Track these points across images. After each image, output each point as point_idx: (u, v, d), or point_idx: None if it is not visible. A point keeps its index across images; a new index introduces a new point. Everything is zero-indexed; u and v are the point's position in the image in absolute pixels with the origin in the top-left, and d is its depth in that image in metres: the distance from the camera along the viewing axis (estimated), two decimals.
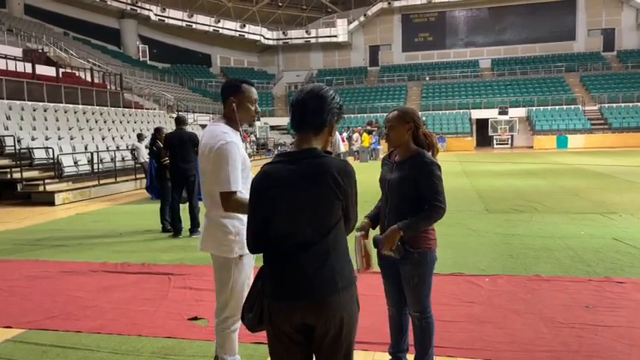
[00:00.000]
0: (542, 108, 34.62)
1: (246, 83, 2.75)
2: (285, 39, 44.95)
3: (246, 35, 43.75)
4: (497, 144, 33.94)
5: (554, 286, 4.59)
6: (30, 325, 3.95)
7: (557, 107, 34.53)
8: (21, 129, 14.24)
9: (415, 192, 2.70)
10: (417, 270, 2.76)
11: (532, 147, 31.99)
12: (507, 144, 33.92)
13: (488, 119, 34.27)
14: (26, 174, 12.36)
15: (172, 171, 7.41)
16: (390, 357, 2.99)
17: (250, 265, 2.81)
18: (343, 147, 6.41)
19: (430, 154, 2.79)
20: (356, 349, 2.10)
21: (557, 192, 10.96)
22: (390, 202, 2.83)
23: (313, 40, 44.42)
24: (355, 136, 24.85)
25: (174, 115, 10.17)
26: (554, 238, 6.49)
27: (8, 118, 14.72)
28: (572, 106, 34.53)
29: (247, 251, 2.64)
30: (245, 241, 2.83)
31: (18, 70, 19.04)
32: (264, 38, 44.49)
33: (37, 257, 6.30)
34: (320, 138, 1.91)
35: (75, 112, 18.28)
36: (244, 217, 2.61)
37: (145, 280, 5.17)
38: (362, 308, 1.97)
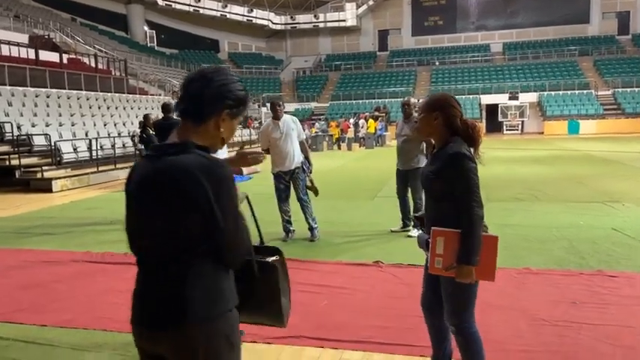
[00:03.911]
0: (553, 93, 33.98)
1: None
2: (293, 24, 44.46)
3: (254, 20, 43.33)
4: (507, 130, 33.45)
5: (543, 279, 4.40)
6: None
7: (569, 92, 33.88)
8: (22, 115, 14.21)
9: (447, 190, 2.35)
10: (449, 276, 2.37)
11: (543, 133, 31.48)
12: (517, 130, 33.42)
13: (498, 105, 33.74)
14: (25, 161, 12.34)
15: None
16: None
17: None
18: (304, 134, 6.21)
19: (466, 145, 2.40)
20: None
21: (562, 180, 10.68)
22: (426, 200, 2.57)
23: (321, 25, 43.89)
24: (361, 122, 24.55)
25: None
26: (551, 228, 6.27)
27: (10, 104, 14.70)
28: (585, 91, 33.85)
29: None
30: None
31: (22, 56, 19.03)
32: (272, 23, 44.05)
33: (22, 246, 6.23)
34: (201, 131, 1.55)
35: (78, 99, 18.23)
36: None
37: (125, 271, 5.04)
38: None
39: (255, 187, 11.00)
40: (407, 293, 4.14)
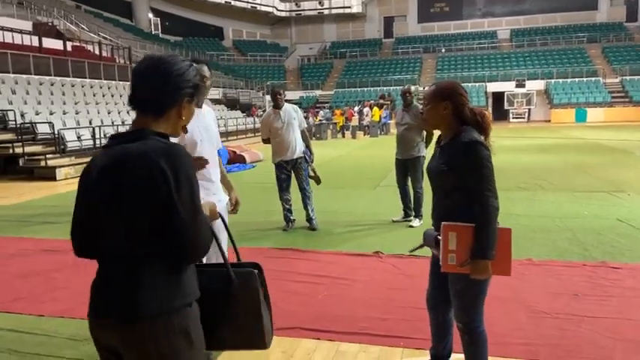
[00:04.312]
0: (561, 80, 33.61)
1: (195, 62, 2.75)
2: (298, 10, 44.12)
3: (259, 7, 43.00)
4: (513, 118, 33.18)
5: (544, 271, 4.35)
6: None
7: (576, 80, 33.49)
8: (25, 103, 14.20)
9: (458, 183, 2.23)
10: (464, 272, 2.25)
11: (549, 121, 31.19)
12: (524, 118, 33.14)
13: (504, 92, 33.43)
14: (29, 149, 12.35)
15: None
16: (429, 359, 2.70)
17: None
18: (305, 123, 6.15)
19: (478, 133, 2.30)
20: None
21: (567, 168, 10.57)
22: (434, 196, 2.43)
23: (326, 12, 43.53)
24: (365, 110, 24.41)
25: None
26: (554, 218, 6.20)
27: (13, 92, 14.69)
28: (593, 79, 33.46)
29: None
30: None
31: (25, 43, 18.97)
32: (277, 10, 43.74)
33: (24, 235, 6.24)
34: (162, 121, 1.52)
35: (82, 87, 18.20)
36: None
37: None
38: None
39: (258, 175, 10.98)
40: (407, 284, 4.11)
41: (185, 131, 1.61)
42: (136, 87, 1.53)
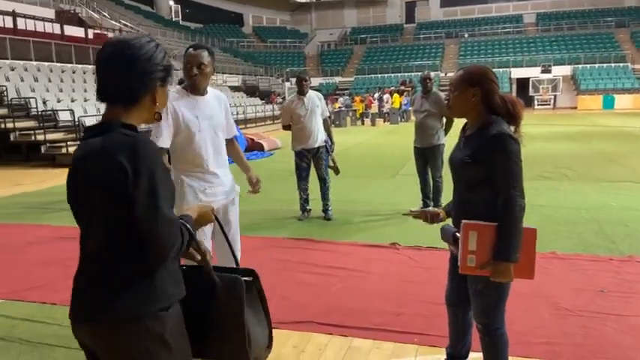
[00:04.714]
0: (588, 66, 32.68)
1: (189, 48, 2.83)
2: None
3: None
4: (538, 105, 32.45)
5: (569, 265, 4.18)
6: (9, 296, 3.87)
7: (604, 65, 32.52)
8: (47, 91, 14.35)
9: (485, 176, 2.08)
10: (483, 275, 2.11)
11: (576, 108, 30.43)
12: (549, 105, 32.37)
13: (529, 78, 32.67)
14: (50, 136, 12.49)
15: None
16: (445, 358, 2.59)
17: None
18: (327, 112, 5.99)
19: (507, 125, 2.13)
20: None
21: (593, 157, 10.24)
22: (455, 190, 2.27)
23: None
24: (385, 97, 24.11)
25: None
26: (580, 209, 5.99)
27: (36, 79, 14.87)
28: (621, 64, 32.45)
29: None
30: (188, 198, 2.71)
31: (47, 31, 19.17)
32: None
33: (42, 222, 6.28)
34: (134, 110, 1.42)
35: None
36: (190, 175, 2.78)
37: None
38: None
39: (275, 163, 10.92)
40: (423, 277, 3.99)
41: (158, 118, 1.50)
42: (101, 76, 1.41)
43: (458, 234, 2.14)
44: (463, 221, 2.10)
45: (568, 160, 9.80)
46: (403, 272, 4.14)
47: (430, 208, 2.36)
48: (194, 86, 2.76)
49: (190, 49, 2.77)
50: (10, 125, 12.42)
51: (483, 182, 2.11)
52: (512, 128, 2.16)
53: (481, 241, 2.06)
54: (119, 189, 1.30)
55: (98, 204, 1.35)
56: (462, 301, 2.37)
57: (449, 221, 2.37)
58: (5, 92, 13.02)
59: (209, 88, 2.87)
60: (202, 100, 2.79)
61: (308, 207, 6.07)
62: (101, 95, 1.42)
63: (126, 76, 1.38)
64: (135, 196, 1.29)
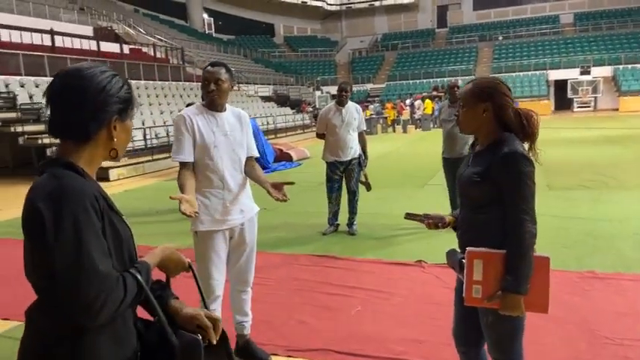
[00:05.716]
0: (630, 66, 31.34)
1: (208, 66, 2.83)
2: (349, 4, 43.70)
3: (309, 2, 42.93)
4: (577, 107, 31.31)
5: (609, 286, 3.86)
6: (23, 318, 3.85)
7: None
8: None
9: (493, 197, 1.91)
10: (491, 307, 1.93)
11: (617, 110, 29.21)
12: (589, 107, 31.20)
13: (567, 80, 31.60)
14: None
15: None
16: None
17: (210, 245, 2.76)
18: (364, 125, 5.80)
19: (521, 142, 1.94)
20: None
21: (637, 163, 9.68)
22: (462, 209, 2.09)
23: (377, 3, 42.83)
24: (417, 103, 23.74)
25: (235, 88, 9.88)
26: (622, 222, 5.60)
27: None
28: None
29: (202, 228, 2.74)
30: (202, 217, 2.69)
31: (84, 47, 19.78)
32: (327, 4, 43.49)
33: None
34: (87, 149, 1.28)
35: (137, 88, 18.71)
36: (205, 193, 2.75)
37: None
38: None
39: (303, 174, 10.80)
40: (449, 299, 3.68)
41: (115, 155, 1.35)
42: (51, 111, 1.28)
43: (464, 260, 1.94)
44: (468, 249, 1.91)
45: (609, 167, 9.29)
46: (428, 293, 3.92)
47: (433, 213, 2.17)
48: (212, 102, 2.77)
49: (208, 67, 2.79)
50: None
51: (491, 204, 1.92)
52: (527, 146, 1.95)
53: (487, 271, 1.87)
54: (37, 238, 1.16)
55: (28, 253, 1.22)
56: (472, 336, 2.15)
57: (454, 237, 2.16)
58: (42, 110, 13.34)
59: (229, 107, 2.87)
60: (220, 117, 2.78)
61: (336, 222, 5.91)
62: (51, 131, 1.29)
63: (76, 110, 1.25)
64: (52, 247, 1.13)
